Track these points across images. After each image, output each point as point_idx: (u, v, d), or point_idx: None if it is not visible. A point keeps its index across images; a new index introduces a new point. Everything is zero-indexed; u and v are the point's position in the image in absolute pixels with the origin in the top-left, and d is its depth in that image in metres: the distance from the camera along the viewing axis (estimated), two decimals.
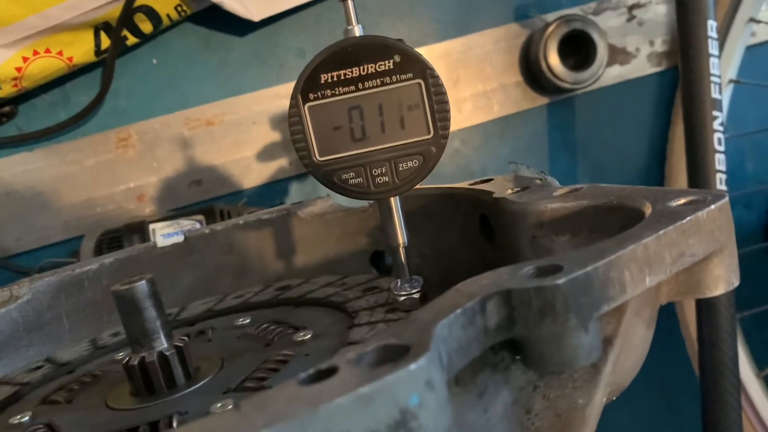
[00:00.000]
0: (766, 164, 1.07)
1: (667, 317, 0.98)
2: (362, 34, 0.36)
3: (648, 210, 0.29)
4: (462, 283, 0.25)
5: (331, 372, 0.20)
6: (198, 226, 0.75)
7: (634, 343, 0.29)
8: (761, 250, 1.05)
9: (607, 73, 0.97)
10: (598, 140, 1.01)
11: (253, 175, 0.87)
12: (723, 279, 0.28)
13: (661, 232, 0.25)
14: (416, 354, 0.20)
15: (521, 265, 0.25)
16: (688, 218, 0.26)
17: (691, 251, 0.26)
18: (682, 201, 0.28)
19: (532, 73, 0.95)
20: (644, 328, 0.29)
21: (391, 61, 0.35)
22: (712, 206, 0.27)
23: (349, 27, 0.36)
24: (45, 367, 0.48)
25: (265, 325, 0.44)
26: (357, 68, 0.35)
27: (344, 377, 0.19)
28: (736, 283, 0.28)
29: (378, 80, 0.35)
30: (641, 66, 1.00)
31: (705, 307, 0.77)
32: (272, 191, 0.88)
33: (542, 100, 0.97)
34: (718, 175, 0.74)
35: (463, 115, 0.94)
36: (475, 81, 0.95)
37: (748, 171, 1.08)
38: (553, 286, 0.23)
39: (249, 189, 0.87)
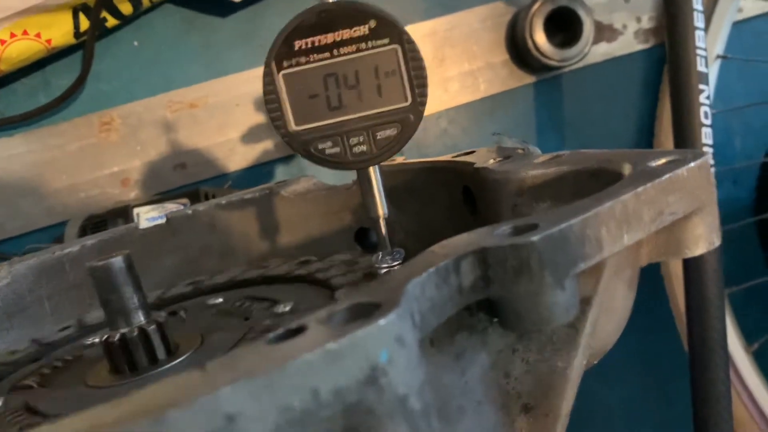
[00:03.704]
0: (754, 140, 1.07)
1: (656, 293, 0.98)
2: None
3: (628, 171, 0.28)
4: (438, 244, 0.25)
5: (300, 330, 0.19)
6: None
7: (614, 305, 0.28)
8: (750, 225, 1.05)
9: (593, 51, 0.96)
10: (585, 118, 1.00)
11: (238, 157, 0.86)
12: (704, 238, 0.27)
13: (640, 189, 0.25)
14: (386, 310, 0.19)
15: (498, 225, 0.25)
16: (667, 176, 0.26)
17: (670, 209, 0.26)
18: (663, 161, 0.28)
19: (519, 51, 0.94)
20: (625, 289, 0.29)
21: (366, 26, 0.34)
22: (692, 164, 0.26)
23: None
24: (27, 348, 0.48)
25: (240, 302, 0.44)
26: (332, 34, 0.34)
27: (313, 335, 0.19)
28: (717, 242, 0.28)
29: (353, 46, 0.35)
30: (628, 43, 0.99)
31: (693, 283, 0.77)
32: (258, 174, 0.87)
33: (529, 79, 0.96)
34: (705, 149, 0.74)
35: (450, 94, 0.94)
36: (461, 60, 0.94)
37: (736, 147, 1.07)
38: (528, 244, 0.22)
39: (234, 172, 0.86)
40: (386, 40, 0.35)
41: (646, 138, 1.01)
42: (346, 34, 0.34)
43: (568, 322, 0.24)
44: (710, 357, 0.78)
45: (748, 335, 0.92)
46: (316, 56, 0.35)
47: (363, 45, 0.35)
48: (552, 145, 0.99)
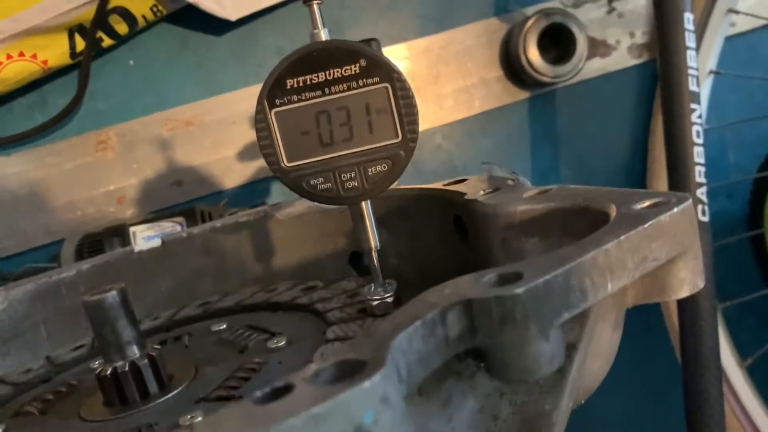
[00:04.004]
0: (748, 154, 1.08)
1: (650, 308, 0.98)
2: (328, 38, 0.36)
3: (613, 212, 0.29)
4: (424, 293, 0.25)
5: (286, 390, 0.20)
6: (179, 227, 0.75)
7: (600, 348, 0.29)
8: (744, 239, 1.06)
9: (587, 66, 0.97)
10: (580, 134, 1.01)
11: (234, 175, 0.87)
12: (688, 281, 0.28)
13: (623, 237, 0.25)
14: (371, 370, 0.19)
15: (483, 273, 0.25)
16: (651, 222, 0.26)
17: (654, 255, 0.26)
18: (647, 203, 0.28)
19: (513, 67, 0.95)
20: (610, 332, 0.29)
21: (357, 65, 0.35)
22: (675, 209, 0.27)
23: (315, 31, 0.36)
24: (39, 368, 0.48)
25: (241, 331, 0.44)
26: (323, 73, 0.35)
27: (299, 395, 0.19)
28: (701, 285, 0.28)
29: (344, 85, 0.35)
30: (622, 58, 1.00)
31: (686, 299, 0.77)
32: (253, 191, 0.88)
33: (523, 95, 0.97)
34: (697, 168, 0.75)
35: (445, 111, 0.94)
36: (456, 76, 0.94)
37: (730, 161, 1.08)
38: (513, 296, 0.23)
39: (230, 189, 0.87)
40: (376, 79, 0.35)
41: (641, 153, 1.02)
42: (337, 72, 0.35)
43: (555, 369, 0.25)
44: (703, 372, 0.79)
45: (742, 349, 0.92)
46: (308, 94, 0.35)
47: (354, 83, 0.35)
48: (547, 160, 1.00)
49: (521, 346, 0.23)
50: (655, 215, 0.26)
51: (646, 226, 0.26)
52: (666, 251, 0.26)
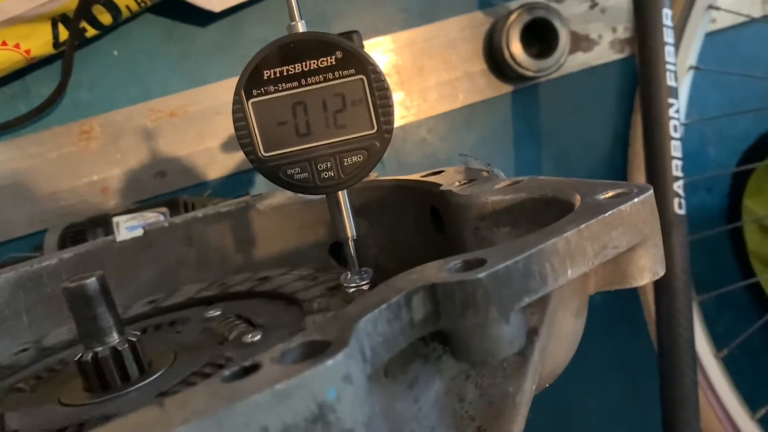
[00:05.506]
0: (728, 149, 1.09)
1: (629, 300, 1.00)
2: (305, 29, 0.37)
3: (578, 202, 0.30)
4: (393, 278, 0.26)
5: (253, 369, 0.21)
6: (162, 218, 0.75)
7: (563, 333, 0.30)
8: (722, 233, 1.08)
9: (570, 61, 0.98)
10: (562, 127, 1.02)
11: (218, 166, 0.87)
12: (648, 269, 0.29)
13: (583, 225, 0.26)
14: (335, 350, 0.20)
15: (450, 259, 0.26)
16: (611, 211, 0.27)
17: (614, 243, 0.27)
18: (610, 194, 0.29)
19: (496, 61, 0.96)
20: (573, 318, 0.30)
21: (333, 57, 0.35)
22: (636, 199, 0.28)
23: (292, 23, 0.37)
24: (28, 352, 0.49)
25: (230, 319, 0.45)
26: (300, 64, 0.36)
27: (265, 374, 0.20)
28: (661, 272, 0.29)
29: (321, 76, 0.36)
30: (604, 53, 1.01)
31: (662, 291, 0.79)
32: (238, 182, 0.88)
33: (506, 88, 0.98)
34: (674, 162, 0.76)
35: (429, 104, 0.95)
36: (440, 69, 0.95)
37: (710, 156, 1.10)
38: (475, 280, 0.24)
39: (214, 180, 0.87)
40: (352, 71, 0.36)
41: (622, 146, 1.03)
42: (313, 64, 0.36)
43: (516, 351, 0.25)
44: (678, 364, 0.80)
45: (719, 341, 0.94)
46: (284, 85, 0.36)
47: (330, 75, 0.36)
48: (529, 153, 1.01)
49: (482, 328, 0.24)
50: (616, 205, 0.27)
51: (606, 215, 0.27)
52: (626, 240, 0.27)
